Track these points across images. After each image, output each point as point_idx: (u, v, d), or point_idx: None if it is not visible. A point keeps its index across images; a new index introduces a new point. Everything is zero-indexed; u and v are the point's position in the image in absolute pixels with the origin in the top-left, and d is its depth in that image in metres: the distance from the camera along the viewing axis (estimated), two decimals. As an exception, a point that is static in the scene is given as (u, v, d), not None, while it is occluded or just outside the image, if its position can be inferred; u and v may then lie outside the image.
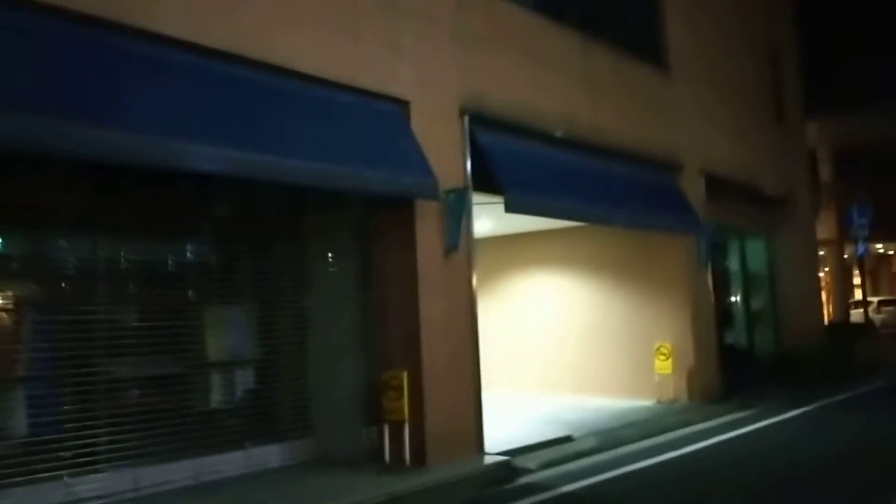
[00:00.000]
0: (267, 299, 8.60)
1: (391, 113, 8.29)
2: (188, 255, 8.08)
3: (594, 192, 10.74)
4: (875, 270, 35.56)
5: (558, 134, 10.29)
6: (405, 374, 8.00)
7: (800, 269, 17.64)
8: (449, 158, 8.74)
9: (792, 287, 17.23)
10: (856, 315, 26.12)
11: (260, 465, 7.98)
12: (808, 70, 18.93)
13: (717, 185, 14.04)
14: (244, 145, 6.61)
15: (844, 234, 23.27)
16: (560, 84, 10.69)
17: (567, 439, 9.77)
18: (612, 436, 10.13)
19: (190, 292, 8.07)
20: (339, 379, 8.68)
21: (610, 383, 13.26)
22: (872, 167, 27.05)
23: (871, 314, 25.42)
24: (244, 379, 8.46)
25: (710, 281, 13.78)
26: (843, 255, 28.37)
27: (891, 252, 35.73)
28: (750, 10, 16.98)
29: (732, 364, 14.09)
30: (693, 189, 13.37)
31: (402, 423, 8.01)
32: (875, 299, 29.94)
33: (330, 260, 8.99)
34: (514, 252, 14.55)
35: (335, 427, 8.60)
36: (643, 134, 12.26)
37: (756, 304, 16.88)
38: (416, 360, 8.21)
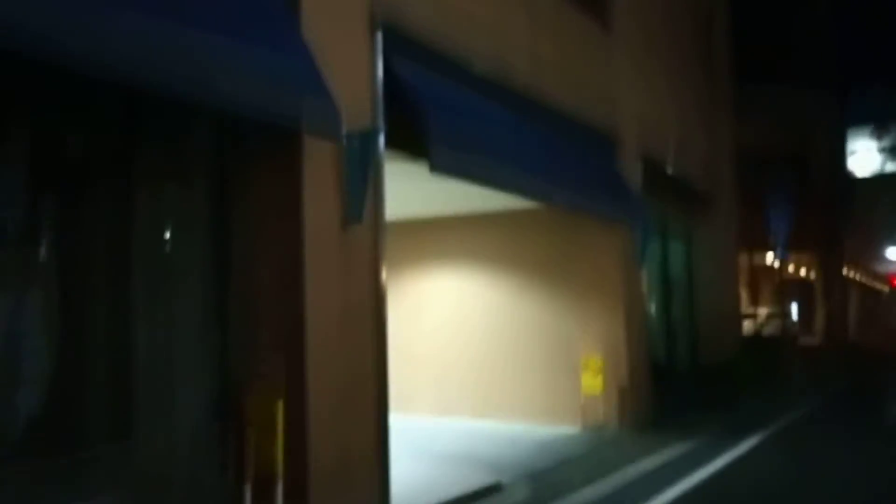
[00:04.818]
0: (67, 280, 5.51)
1: (275, 8, 5.52)
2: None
3: (535, 161, 8.23)
4: (757, 282, 35.08)
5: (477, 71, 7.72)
6: (279, 404, 5.24)
7: (720, 276, 15.83)
8: (353, 87, 6.05)
9: (711, 295, 15.37)
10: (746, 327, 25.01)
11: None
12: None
13: (648, 172, 11.92)
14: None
15: (742, 240, 21.98)
16: (499, 12, 8.16)
17: (495, 489, 7.25)
18: (547, 480, 7.80)
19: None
20: (180, 404, 5.78)
21: (526, 405, 10.90)
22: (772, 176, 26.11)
23: (757, 327, 24.40)
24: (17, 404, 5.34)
25: (644, 283, 11.65)
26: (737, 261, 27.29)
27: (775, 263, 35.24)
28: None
29: (653, 381, 11.98)
30: (630, 172, 11.18)
31: (272, 477, 5.25)
32: (763, 311, 29.12)
33: (172, 224, 6.00)
34: (409, 244, 11.77)
35: (171, 476, 5.66)
36: (583, 97, 9.94)
37: (674, 312, 14.90)
38: (298, 382, 5.48)
